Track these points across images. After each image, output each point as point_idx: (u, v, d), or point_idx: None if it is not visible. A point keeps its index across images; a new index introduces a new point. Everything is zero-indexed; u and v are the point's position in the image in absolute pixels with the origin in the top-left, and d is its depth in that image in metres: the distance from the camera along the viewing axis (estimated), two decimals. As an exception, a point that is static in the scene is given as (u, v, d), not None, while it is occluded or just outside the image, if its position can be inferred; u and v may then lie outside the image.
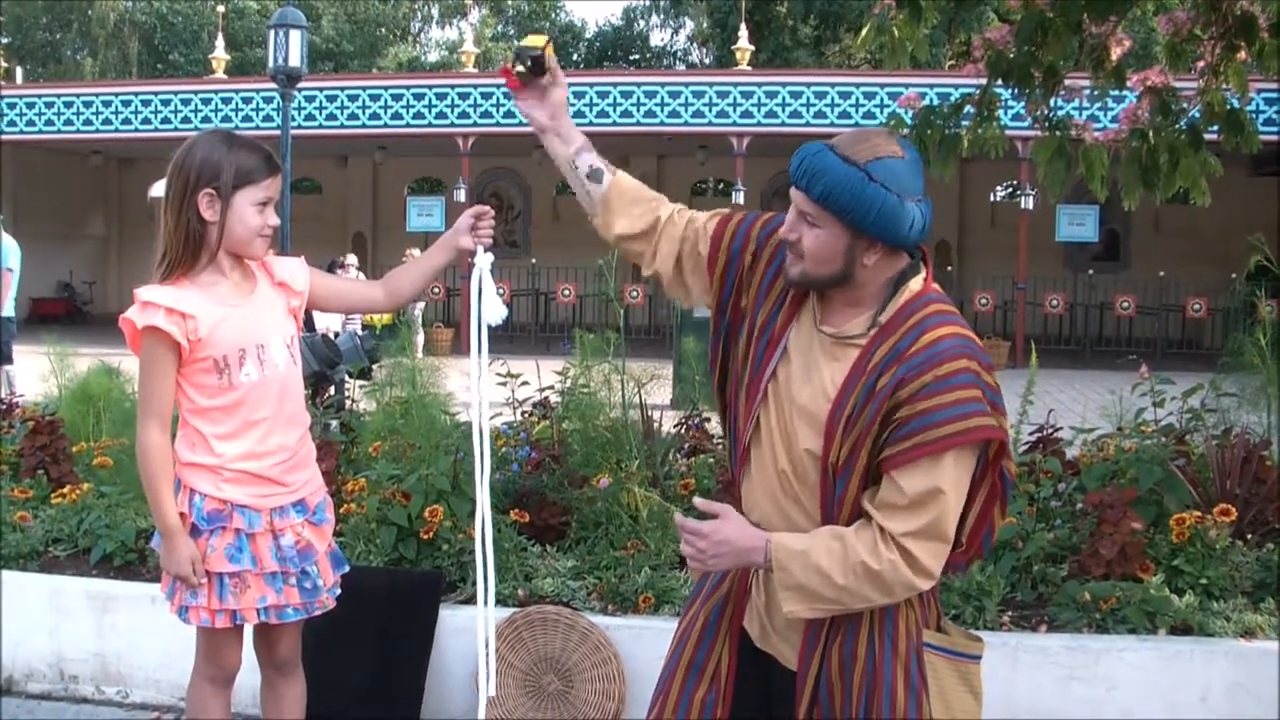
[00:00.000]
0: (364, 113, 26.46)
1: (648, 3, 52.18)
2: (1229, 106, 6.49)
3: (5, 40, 46.75)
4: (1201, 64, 6.41)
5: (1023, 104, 6.56)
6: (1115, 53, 6.32)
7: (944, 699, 2.77)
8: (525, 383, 6.45)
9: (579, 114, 25.40)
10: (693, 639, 2.95)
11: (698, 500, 2.84)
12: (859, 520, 2.68)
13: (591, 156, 3.25)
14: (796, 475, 2.78)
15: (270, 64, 14.72)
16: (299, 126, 22.99)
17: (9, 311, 13.99)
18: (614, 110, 25.40)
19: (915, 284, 2.76)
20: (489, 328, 3.62)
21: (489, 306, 3.60)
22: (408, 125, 26.39)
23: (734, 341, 2.95)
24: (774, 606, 2.83)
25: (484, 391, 3.61)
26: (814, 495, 2.75)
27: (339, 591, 3.78)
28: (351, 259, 23.01)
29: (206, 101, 27.15)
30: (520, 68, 3.04)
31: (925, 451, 2.60)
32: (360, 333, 8.67)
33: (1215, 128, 6.53)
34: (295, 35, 14.42)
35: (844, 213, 2.63)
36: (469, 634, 4.71)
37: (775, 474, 2.81)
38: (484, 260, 3.66)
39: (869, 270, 2.72)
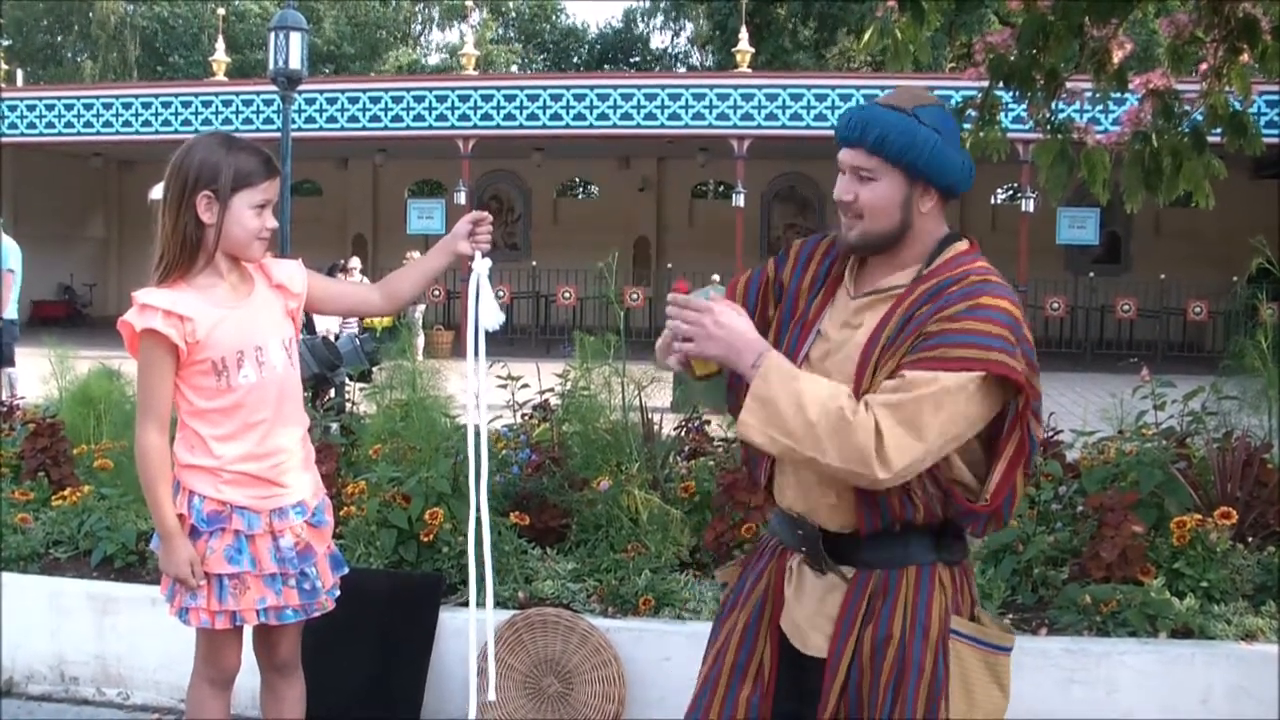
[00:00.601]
0: (364, 115, 26.48)
1: (648, 5, 52.25)
2: (1231, 109, 6.49)
3: (6, 43, 46.79)
4: (1204, 66, 6.40)
5: (1024, 107, 6.55)
6: (1117, 55, 6.31)
7: (967, 689, 2.73)
8: (525, 385, 6.45)
9: (579, 116, 25.45)
10: (734, 643, 2.93)
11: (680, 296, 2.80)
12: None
13: None
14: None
15: (270, 66, 14.75)
16: (299, 129, 22.99)
17: (11, 314, 13.97)
18: (614, 113, 25.42)
19: (961, 244, 2.81)
20: (487, 332, 3.62)
21: (486, 312, 3.61)
22: (408, 128, 26.41)
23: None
24: (805, 593, 2.83)
25: (481, 397, 3.61)
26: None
27: (338, 593, 3.77)
28: (355, 262, 23.00)
29: (207, 104, 27.17)
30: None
31: (935, 365, 2.58)
32: (360, 335, 8.66)
33: (1218, 130, 6.52)
34: (295, 38, 14.45)
35: (900, 157, 2.69)
36: (469, 636, 4.71)
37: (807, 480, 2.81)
38: (482, 266, 3.66)
39: (924, 220, 2.77)
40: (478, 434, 3.67)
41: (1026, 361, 2.63)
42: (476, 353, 3.66)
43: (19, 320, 14.28)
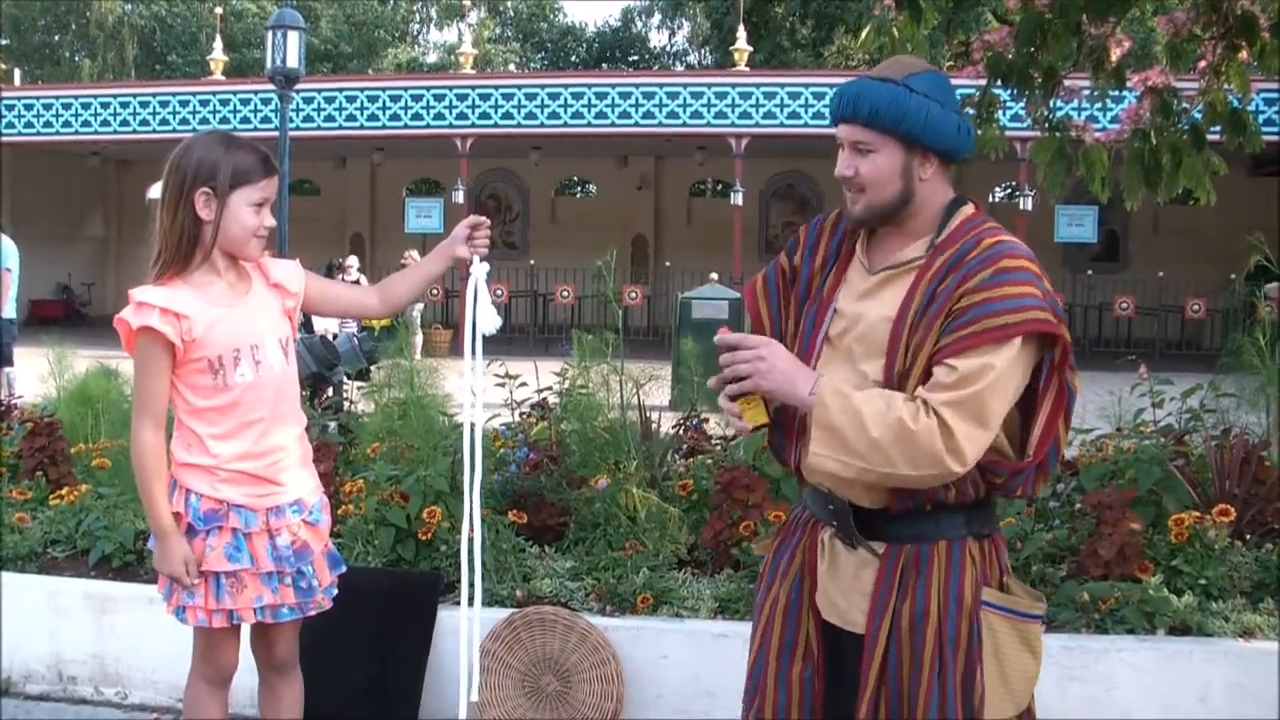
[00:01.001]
0: (362, 114, 26.48)
1: (646, 4, 52.26)
2: (1230, 106, 6.49)
3: (4, 42, 46.77)
4: (1202, 64, 6.40)
5: (1022, 105, 6.55)
6: (1115, 53, 6.31)
7: (999, 658, 2.77)
8: (523, 384, 6.45)
9: (577, 115, 25.46)
10: (778, 621, 2.97)
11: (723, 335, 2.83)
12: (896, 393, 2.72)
13: None
14: None
15: (268, 65, 14.76)
16: (297, 128, 23.01)
17: (10, 313, 13.97)
18: (612, 111, 25.43)
19: (967, 209, 2.86)
20: (484, 336, 3.63)
21: (484, 316, 3.61)
22: (406, 127, 26.42)
23: (788, 331, 3.01)
24: (839, 569, 2.86)
25: (478, 401, 3.62)
26: None
27: (335, 592, 3.77)
28: (352, 260, 23.01)
29: (205, 103, 27.17)
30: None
31: (980, 340, 2.63)
32: (358, 334, 8.67)
33: (1217, 128, 6.52)
34: (293, 37, 14.45)
35: (895, 126, 2.75)
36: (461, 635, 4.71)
37: None
38: (479, 270, 3.67)
39: (927, 186, 2.82)
40: (473, 438, 3.66)
41: (1054, 313, 2.71)
42: (474, 356, 3.66)
43: (16, 320, 14.28)
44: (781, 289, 3.05)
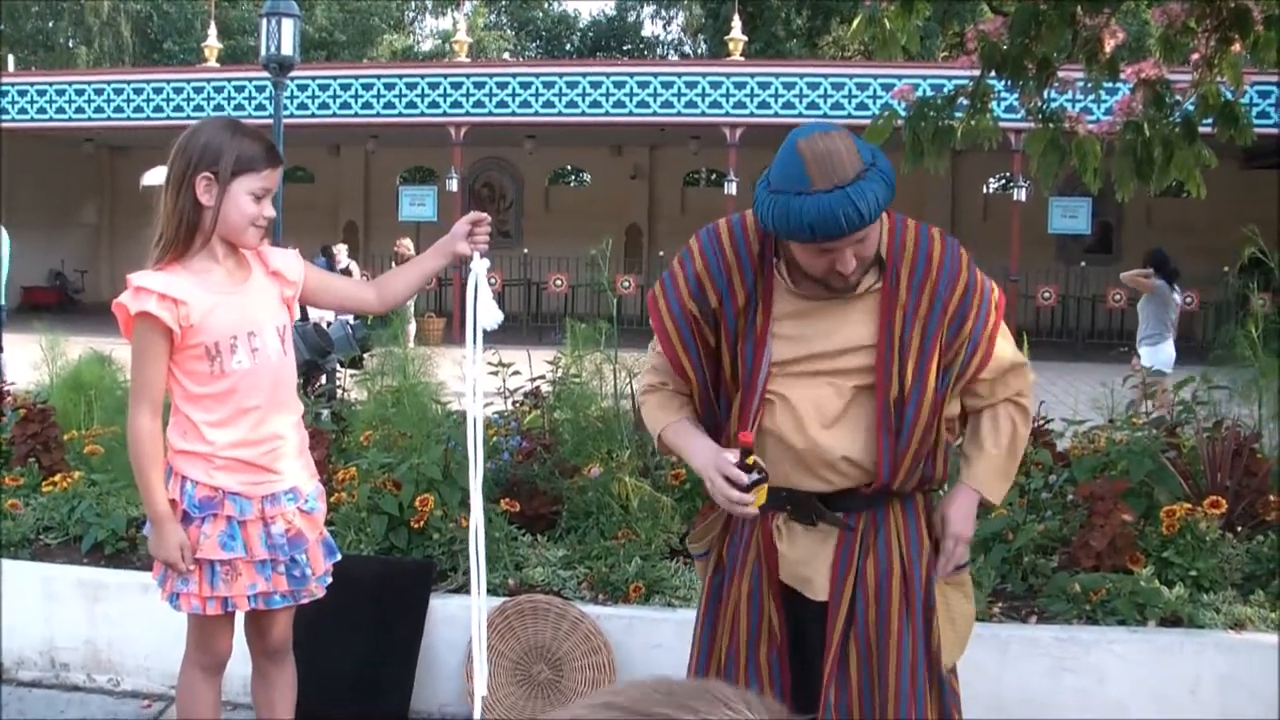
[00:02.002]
0: (356, 102, 26.42)
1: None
2: (1223, 99, 6.49)
3: (-2, 28, 46.66)
4: (1196, 56, 6.40)
5: (1016, 96, 6.55)
6: (1109, 45, 6.31)
7: (947, 607, 3.02)
8: (516, 372, 6.45)
9: (572, 104, 25.42)
10: (744, 610, 3.04)
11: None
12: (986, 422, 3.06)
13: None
14: (824, 422, 2.89)
15: (263, 53, 14.71)
16: (291, 115, 22.94)
17: None
18: (607, 100, 25.39)
19: (883, 218, 2.95)
20: (484, 331, 3.63)
21: (485, 311, 3.61)
22: (400, 115, 26.35)
23: (715, 373, 3.03)
24: (796, 540, 2.98)
25: (478, 397, 3.62)
26: (864, 442, 2.89)
27: (329, 580, 3.77)
28: (341, 248, 22.98)
29: (199, 90, 27.09)
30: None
31: (993, 338, 2.99)
32: (352, 322, 8.65)
33: (1209, 120, 6.52)
34: (288, 24, 14.42)
35: (884, 208, 2.77)
36: (459, 623, 4.72)
37: (803, 448, 2.90)
38: (480, 266, 3.67)
39: None
40: (476, 432, 3.66)
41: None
42: (475, 353, 3.66)
43: (5, 306, 14.28)
44: (698, 337, 2.99)
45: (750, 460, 2.81)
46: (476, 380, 3.64)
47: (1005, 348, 3.03)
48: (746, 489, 2.79)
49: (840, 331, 2.88)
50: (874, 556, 2.90)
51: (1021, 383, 3.06)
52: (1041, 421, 6.23)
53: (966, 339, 2.92)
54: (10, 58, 38.37)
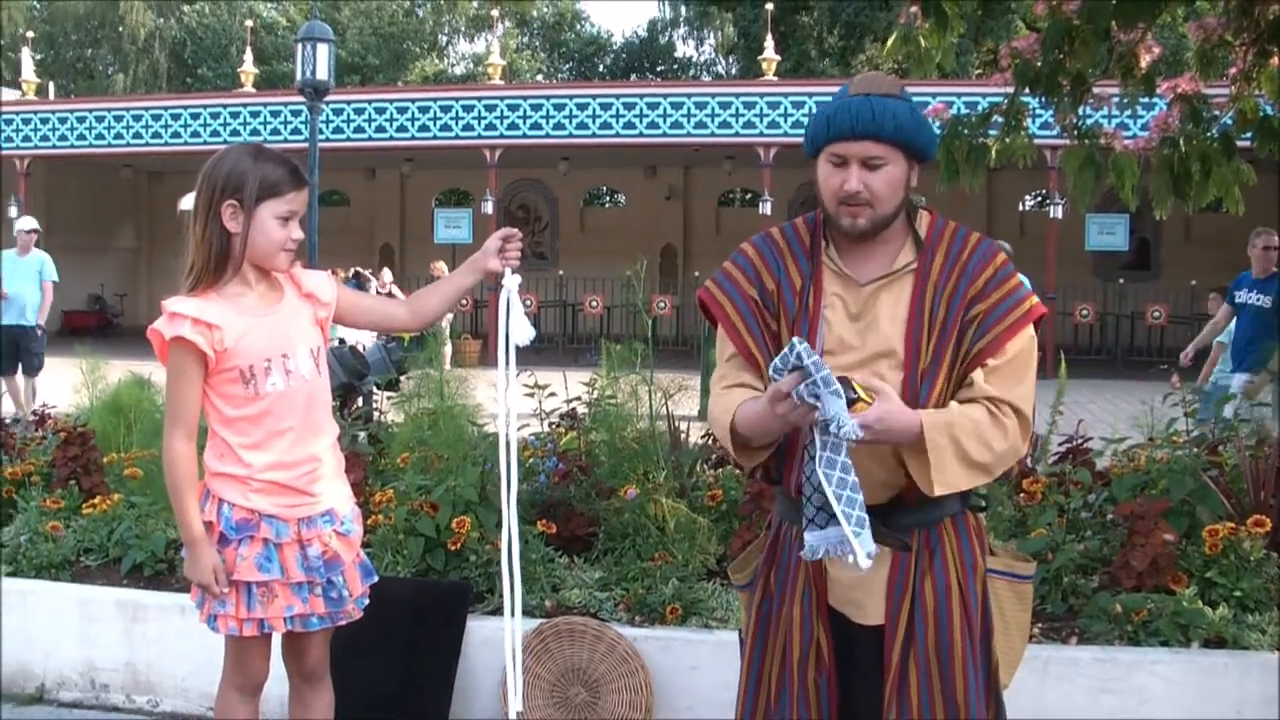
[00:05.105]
0: (391, 125, 26.57)
1: (671, 15, 52.33)
2: (1262, 113, 6.45)
3: (38, 57, 47.23)
4: (1233, 70, 6.37)
5: (1051, 113, 6.52)
6: (1144, 60, 6.29)
7: (1003, 618, 2.99)
8: (552, 394, 6.45)
9: (605, 125, 25.48)
10: (796, 635, 3.02)
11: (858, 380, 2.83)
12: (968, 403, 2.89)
13: None
14: None
15: (298, 77, 14.81)
16: (326, 139, 23.11)
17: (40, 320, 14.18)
18: (640, 121, 25.45)
19: (924, 213, 3.05)
20: (516, 348, 3.63)
21: (517, 328, 3.61)
22: (434, 137, 26.48)
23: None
24: (851, 570, 2.89)
25: (512, 414, 3.61)
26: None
27: (366, 602, 3.77)
28: (385, 272, 23.16)
29: (235, 115, 27.31)
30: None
31: (1013, 332, 2.91)
32: (388, 344, 8.68)
33: (1248, 135, 6.48)
34: (322, 49, 14.52)
35: (912, 138, 2.89)
36: (496, 645, 4.70)
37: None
38: (512, 282, 3.67)
39: (906, 194, 2.97)
40: (509, 450, 3.66)
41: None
42: (507, 370, 3.66)
43: (46, 329, 14.47)
44: (760, 322, 3.03)
45: (859, 387, 2.73)
46: (508, 394, 3.63)
47: (1018, 367, 2.92)
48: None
49: (881, 315, 2.92)
50: (931, 578, 2.89)
51: (1018, 390, 2.90)
52: (1080, 440, 6.19)
53: (979, 319, 2.90)
54: (51, 85, 38.78)
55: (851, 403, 2.70)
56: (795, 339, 2.72)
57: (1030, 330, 2.95)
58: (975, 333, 2.90)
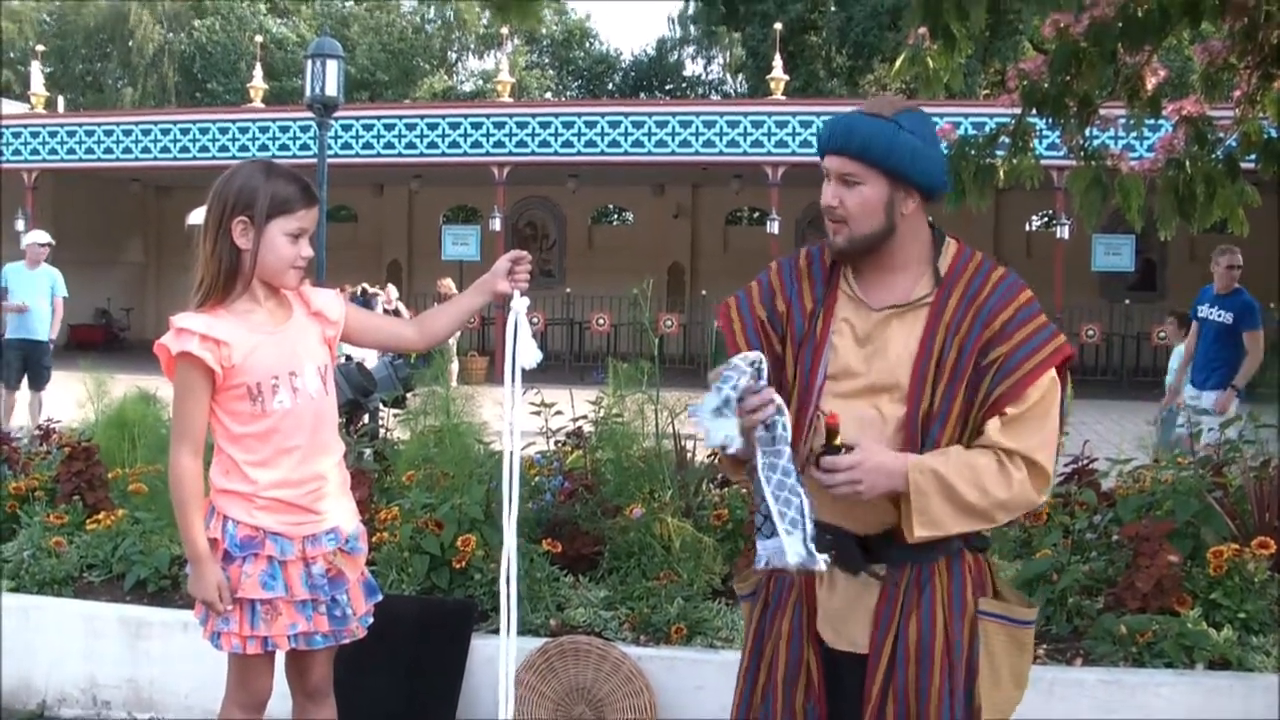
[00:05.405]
0: (400, 141, 26.60)
1: (680, 34, 52.45)
2: (1266, 135, 6.46)
3: (47, 70, 47.43)
4: (1238, 93, 6.38)
5: (1058, 134, 6.54)
6: (1150, 82, 6.30)
7: (992, 662, 2.88)
8: (559, 412, 6.45)
9: (614, 143, 25.51)
10: (783, 651, 3.01)
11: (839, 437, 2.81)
12: (979, 448, 2.81)
13: None
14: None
15: (307, 93, 14.84)
16: (335, 155, 23.12)
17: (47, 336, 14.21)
18: (649, 140, 25.47)
19: (951, 243, 2.97)
20: (523, 370, 3.63)
21: (524, 350, 3.62)
22: (443, 154, 26.50)
23: (779, 380, 2.99)
24: (836, 590, 2.93)
25: (517, 437, 3.62)
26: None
27: (370, 621, 3.78)
28: (391, 289, 23.21)
29: (244, 130, 27.37)
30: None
31: (1034, 377, 2.81)
32: (395, 361, 8.68)
33: (1253, 157, 6.49)
34: (332, 65, 14.55)
35: (884, 160, 2.83)
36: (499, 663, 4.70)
37: None
38: (520, 304, 3.67)
39: (908, 222, 2.90)
40: (512, 471, 3.66)
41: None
42: (513, 391, 3.66)
43: (53, 343, 14.49)
44: (763, 340, 3.02)
45: (838, 441, 2.76)
46: (514, 418, 3.64)
47: (1039, 414, 2.82)
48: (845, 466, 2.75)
49: (890, 344, 2.88)
50: (917, 615, 2.83)
51: (1031, 439, 2.81)
52: (1086, 460, 6.18)
53: (998, 363, 2.80)
54: (60, 99, 38.90)
55: (833, 451, 2.75)
56: (737, 358, 2.77)
57: (1052, 374, 2.85)
58: (994, 378, 2.81)
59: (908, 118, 2.86)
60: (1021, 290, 2.88)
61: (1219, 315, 10.01)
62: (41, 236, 14.66)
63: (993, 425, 2.80)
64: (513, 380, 3.64)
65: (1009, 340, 2.81)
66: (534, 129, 25.88)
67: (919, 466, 2.76)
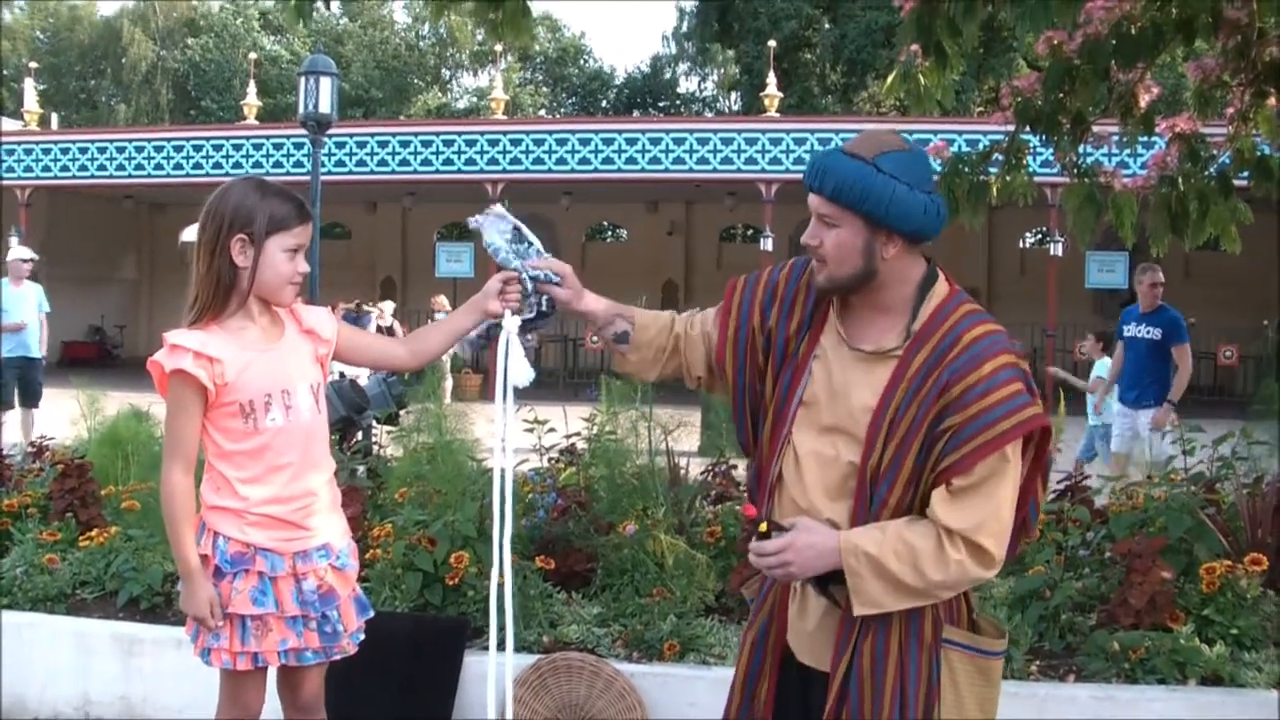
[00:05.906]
0: (393, 159, 26.62)
1: (674, 51, 52.55)
2: (1259, 153, 6.48)
3: (41, 87, 47.49)
4: (1231, 110, 6.40)
5: (1051, 151, 6.56)
6: (1144, 99, 6.32)
7: (956, 691, 2.82)
8: (552, 429, 6.45)
9: (608, 160, 25.54)
10: (744, 660, 3.06)
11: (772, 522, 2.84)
12: (922, 522, 2.74)
13: (615, 324, 3.31)
14: (828, 493, 2.85)
15: (301, 110, 14.83)
16: (329, 172, 23.16)
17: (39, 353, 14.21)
18: (643, 157, 25.51)
19: (940, 289, 2.86)
20: (515, 389, 3.63)
21: (516, 369, 3.61)
22: (437, 171, 26.52)
23: (760, 393, 3.00)
24: (807, 611, 2.93)
25: (509, 457, 3.61)
26: (847, 511, 2.82)
27: (361, 637, 3.77)
28: (386, 305, 23.19)
29: (238, 147, 27.38)
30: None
31: (985, 453, 2.68)
32: (388, 378, 8.67)
33: (1245, 174, 6.51)
34: (325, 82, 14.54)
35: (857, 205, 2.75)
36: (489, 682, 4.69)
37: (805, 506, 2.88)
38: (511, 324, 3.67)
39: (890, 265, 2.82)
40: (504, 490, 3.65)
41: (1033, 394, 2.75)
42: (505, 411, 3.66)
43: (44, 359, 14.49)
44: (750, 352, 3.02)
45: (764, 527, 2.81)
46: (506, 436, 3.63)
47: (985, 491, 2.70)
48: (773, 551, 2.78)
49: (860, 386, 2.83)
50: (872, 643, 2.80)
51: (973, 519, 2.70)
52: (1079, 477, 6.19)
53: (950, 433, 2.69)
54: (54, 116, 38.90)
55: (762, 535, 2.79)
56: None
57: (1006, 451, 2.69)
58: (944, 447, 2.70)
59: (890, 159, 2.76)
60: (996, 355, 2.73)
61: (1147, 332, 10.25)
62: (24, 252, 14.68)
63: (938, 496, 2.72)
64: (504, 399, 3.64)
65: (964, 410, 2.68)
66: (528, 146, 25.91)
67: (851, 549, 2.72)
